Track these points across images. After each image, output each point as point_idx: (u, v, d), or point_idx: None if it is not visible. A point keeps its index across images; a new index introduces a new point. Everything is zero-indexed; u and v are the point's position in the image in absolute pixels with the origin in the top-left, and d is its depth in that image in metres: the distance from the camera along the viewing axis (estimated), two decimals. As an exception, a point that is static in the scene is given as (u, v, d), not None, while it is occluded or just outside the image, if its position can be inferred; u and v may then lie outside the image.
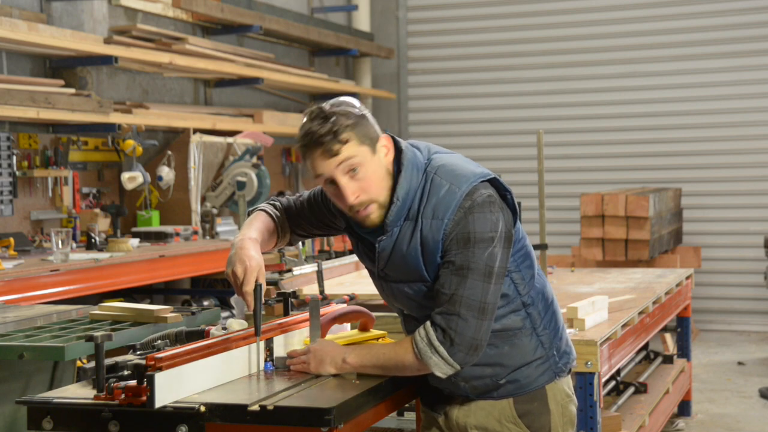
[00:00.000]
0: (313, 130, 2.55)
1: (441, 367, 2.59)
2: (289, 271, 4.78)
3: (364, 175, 2.57)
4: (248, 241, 2.70)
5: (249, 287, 2.63)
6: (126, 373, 2.49)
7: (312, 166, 2.59)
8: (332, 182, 2.59)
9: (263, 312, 2.70)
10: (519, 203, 2.79)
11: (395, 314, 3.62)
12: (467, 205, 2.56)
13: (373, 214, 2.62)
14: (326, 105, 2.60)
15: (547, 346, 2.74)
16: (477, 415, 2.76)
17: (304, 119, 2.59)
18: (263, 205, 2.91)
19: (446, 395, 2.82)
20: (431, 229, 2.58)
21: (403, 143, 2.67)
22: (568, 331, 2.93)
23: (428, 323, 2.60)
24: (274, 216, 2.88)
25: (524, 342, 2.71)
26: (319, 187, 2.84)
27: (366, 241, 2.73)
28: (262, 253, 2.74)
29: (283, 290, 3.22)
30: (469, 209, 2.56)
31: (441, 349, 2.57)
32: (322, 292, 4.31)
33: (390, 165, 2.63)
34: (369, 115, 2.62)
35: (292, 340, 2.94)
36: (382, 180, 2.61)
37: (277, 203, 2.92)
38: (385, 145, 2.63)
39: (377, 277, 2.75)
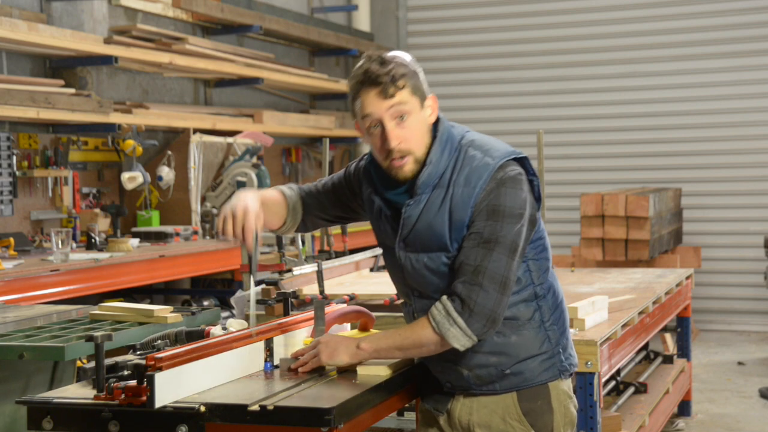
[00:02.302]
0: (372, 69, 2.62)
1: (459, 339, 2.60)
2: (289, 271, 4.78)
3: (409, 124, 2.64)
4: (250, 193, 2.76)
5: (249, 225, 2.66)
6: (126, 373, 2.49)
7: (362, 104, 2.64)
8: (376, 126, 2.64)
9: (259, 256, 2.72)
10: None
11: (395, 314, 3.62)
12: (500, 176, 2.61)
13: (407, 166, 2.67)
14: (385, 54, 2.66)
15: (553, 343, 2.75)
16: (480, 412, 2.76)
17: (361, 61, 2.66)
18: (279, 186, 2.97)
19: (448, 393, 2.81)
20: (462, 197, 2.62)
21: (440, 113, 2.75)
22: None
23: (445, 297, 2.61)
24: (286, 195, 2.93)
25: (532, 334, 2.72)
26: (342, 171, 2.93)
27: (392, 206, 2.73)
28: (269, 231, 2.86)
29: (283, 290, 3.22)
30: (501, 181, 2.61)
31: (459, 319, 2.58)
32: (322, 292, 4.30)
33: (431, 125, 2.70)
34: (421, 74, 2.70)
35: (293, 340, 2.94)
36: (423, 135, 2.67)
37: (294, 186, 2.98)
38: (431, 105, 2.70)
39: (397, 248, 2.73)
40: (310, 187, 2.99)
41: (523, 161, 2.69)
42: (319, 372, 2.70)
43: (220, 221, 2.69)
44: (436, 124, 2.72)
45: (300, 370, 2.69)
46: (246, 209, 2.67)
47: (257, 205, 2.71)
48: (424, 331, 2.62)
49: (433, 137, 2.69)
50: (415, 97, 2.65)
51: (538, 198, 2.71)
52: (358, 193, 2.89)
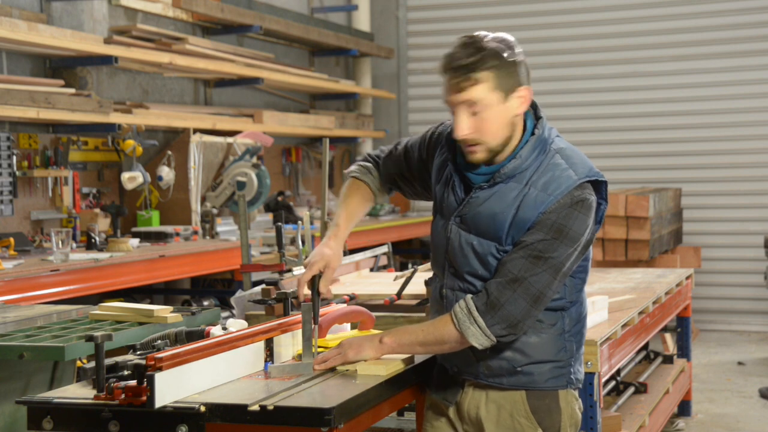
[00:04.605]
0: (456, 57, 2.62)
1: (478, 338, 2.61)
2: (289, 271, 4.77)
3: (483, 117, 2.62)
4: (333, 239, 2.84)
5: (305, 277, 2.77)
6: (126, 373, 2.49)
7: (443, 87, 2.68)
8: (453, 109, 2.67)
9: (319, 303, 2.79)
10: None
11: (395, 314, 3.62)
12: (577, 195, 2.62)
13: (479, 154, 2.67)
14: (486, 36, 2.62)
15: (569, 354, 2.75)
16: (489, 406, 2.76)
17: (456, 41, 2.65)
18: (357, 171, 3.02)
19: (458, 385, 2.81)
20: (535, 200, 2.62)
21: (542, 112, 2.75)
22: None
23: (469, 296, 2.63)
24: (370, 184, 3.00)
25: (552, 340, 2.72)
26: (416, 137, 2.96)
27: (464, 179, 2.74)
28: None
29: (283, 290, 3.22)
30: (576, 203, 2.61)
31: (480, 319, 2.60)
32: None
33: (518, 118, 2.67)
34: (521, 62, 2.64)
35: (296, 340, 2.93)
36: (501, 128, 2.65)
37: (370, 163, 3.03)
38: (522, 96, 2.65)
39: (452, 221, 2.74)
40: (387, 155, 3.03)
41: (600, 185, 2.71)
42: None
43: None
44: (532, 114, 2.71)
45: (323, 365, 2.73)
46: (312, 262, 2.78)
47: (334, 251, 2.81)
48: (446, 327, 2.65)
49: (524, 128, 2.69)
50: (494, 93, 2.60)
51: (599, 221, 2.72)
52: (428, 161, 2.90)
